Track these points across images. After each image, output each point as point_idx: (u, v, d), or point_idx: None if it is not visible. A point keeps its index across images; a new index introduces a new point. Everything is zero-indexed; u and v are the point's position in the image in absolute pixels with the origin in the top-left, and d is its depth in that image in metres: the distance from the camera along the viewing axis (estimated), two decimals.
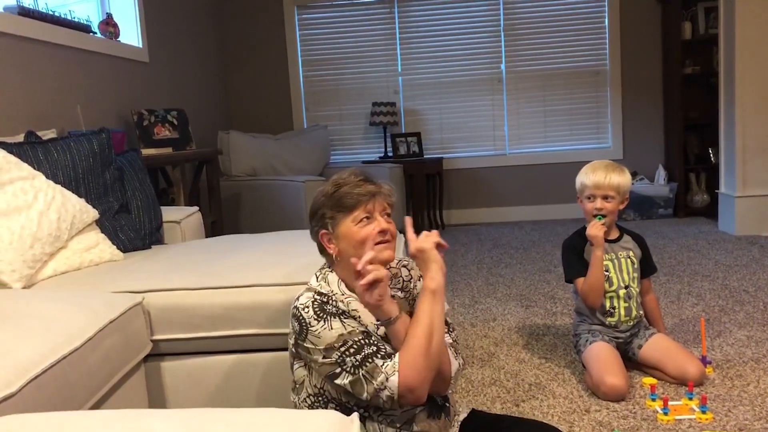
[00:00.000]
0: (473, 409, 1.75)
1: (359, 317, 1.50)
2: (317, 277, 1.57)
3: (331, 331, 1.42)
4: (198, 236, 2.93)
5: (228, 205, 4.46)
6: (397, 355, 1.41)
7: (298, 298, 1.51)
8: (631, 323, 2.34)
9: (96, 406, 1.65)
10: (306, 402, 1.54)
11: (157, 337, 1.96)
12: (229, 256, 2.25)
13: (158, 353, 1.99)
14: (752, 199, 4.55)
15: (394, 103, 5.64)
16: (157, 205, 2.76)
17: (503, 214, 5.85)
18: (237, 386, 1.98)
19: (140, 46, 4.12)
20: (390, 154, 5.64)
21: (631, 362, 2.35)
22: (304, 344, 1.46)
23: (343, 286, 1.54)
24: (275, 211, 4.41)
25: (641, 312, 2.38)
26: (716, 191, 4.92)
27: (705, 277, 3.60)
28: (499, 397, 2.23)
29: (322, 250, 1.57)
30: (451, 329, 1.63)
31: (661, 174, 5.58)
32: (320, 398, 1.51)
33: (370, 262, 1.42)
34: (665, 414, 2.02)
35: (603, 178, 2.30)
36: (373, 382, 1.39)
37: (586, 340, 2.30)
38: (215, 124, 5.26)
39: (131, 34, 4.07)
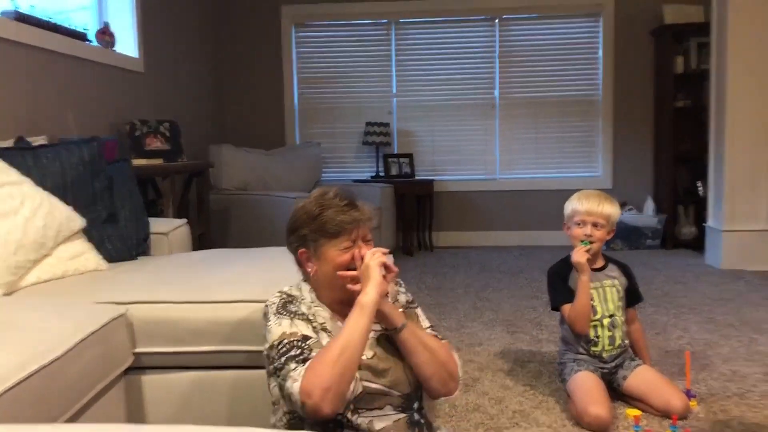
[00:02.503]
0: None
1: (323, 324, 1.53)
2: (291, 287, 1.62)
3: (278, 327, 1.47)
4: (185, 249, 2.90)
5: (217, 218, 4.43)
6: (309, 362, 1.41)
7: (267, 299, 1.58)
8: (615, 352, 2.33)
9: (73, 418, 1.62)
10: (282, 421, 1.51)
11: (139, 349, 1.93)
12: (215, 271, 2.23)
13: (140, 366, 1.96)
14: (739, 233, 4.58)
15: (387, 124, 5.66)
16: (145, 216, 2.73)
17: (492, 238, 5.86)
18: (219, 403, 1.95)
19: (136, 56, 4.12)
20: (382, 174, 5.64)
21: (616, 393, 2.34)
22: (264, 348, 1.49)
23: (313, 295, 1.58)
24: (264, 226, 4.39)
25: (626, 342, 2.38)
26: (704, 224, 4.96)
27: (691, 309, 3.61)
28: (482, 424, 2.21)
29: (299, 264, 1.62)
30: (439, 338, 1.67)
31: (649, 205, 5.62)
32: (296, 415, 1.48)
33: (356, 278, 1.51)
34: None
35: (596, 205, 2.31)
36: (285, 386, 1.40)
37: (571, 369, 2.29)
38: (208, 137, 5.25)
39: (128, 45, 4.06)
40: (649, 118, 5.77)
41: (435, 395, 1.64)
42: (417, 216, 5.65)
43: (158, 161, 3.66)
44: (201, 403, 1.95)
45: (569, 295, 2.31)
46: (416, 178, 5.71)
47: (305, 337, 1.45)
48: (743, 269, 4.52)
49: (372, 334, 1.56)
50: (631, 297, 2.43)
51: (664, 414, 2.19)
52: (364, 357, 1.49)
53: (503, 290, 4.15)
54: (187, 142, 4.27)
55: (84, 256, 2.28)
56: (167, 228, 2.81)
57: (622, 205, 5.63)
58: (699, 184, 5.46)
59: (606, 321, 2.32)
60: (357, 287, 1.50)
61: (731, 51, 4.51)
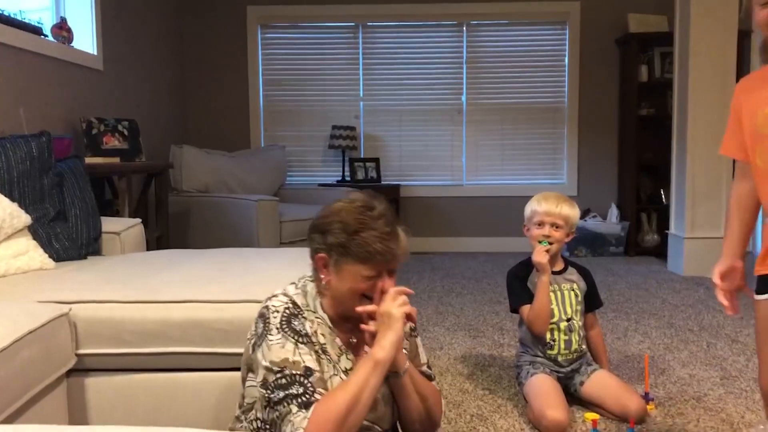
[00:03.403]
0: None
1: (324, 345, 1.43)
2: (296, 285, 1.49)
3: (281, 349, 1.35)
4: (139, 249, 2.82)
5: (177, 220, 4.34)
6: (311, 408, 1.29)
7: (270, 299, 1.44)
8: (571, 357, 2.31)
9: (8, 420, 1.54)
10: (252, 425, 1.44)
11: (82, 351, 1.85)
12: (166, 270, 2.16)
13: (83, 368, 1.88)
14: (701, 240, 4.63)
15: (354, 128, 5.62)
16: (97, 214, 2.65)
17: (457, 244, 5.84)
18: (166, 406, 1.88)
19: (94, 53, 4.01)
20: (348, 179, 5.60)
21: (573, 397, 2.32)
22: (257, 354, 1.38)
23: (317, 303, 1.47)
24: (226, 229, 4.31)
25: (583, 347, 2.36)
26: (666, 232, 5.00)
27: (652, 315, 3.62)
28: (440, 428, 2.17)
29: (311, 259, 1.49)
30: (431, 378, 1.60)
31: (613, 212, 5.66)
32: (268, 426, 1.39)
33: (372, 316, 1.39)
34: None
35: (555, 206, 2.30)
36: (282, 427, 1.30)
37: (528, 372, 2.27)
38: (169, 137, 5.15)
39: (86, 41, 3.96)
40: (613, 126, 5.82)
41: None
42: None
43: (115, 160, 3.56)
44: (148, 407, 1.88)
45: (528, 297, 2.28)
46: (382, 182, 5.67)
47: (308, 371, 1.33)
48: (705, 276, 4.56)
49: (350, 364, 1.48)
50: (591, 301, 2.42)
51: (622, 418, 2.17)
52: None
53: (467, 295, 4.13)
54: (146, 142, 4.18)
55: (28, 254, 2.19)
56: (120, 227, 2.73)
57: (586, 212, 5.67)
58: (662, 191, 5.52)
59: (563, 325, 2.30)
60: (371, 328, 1.39)
61: (693, 61, 4.57)
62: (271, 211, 4.23)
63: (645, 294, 4.13)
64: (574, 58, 5.75)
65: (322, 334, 1.44)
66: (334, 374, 1.43)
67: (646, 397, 2.35)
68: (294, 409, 1.29)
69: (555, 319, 2.29)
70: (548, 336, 2.29)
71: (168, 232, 3.91)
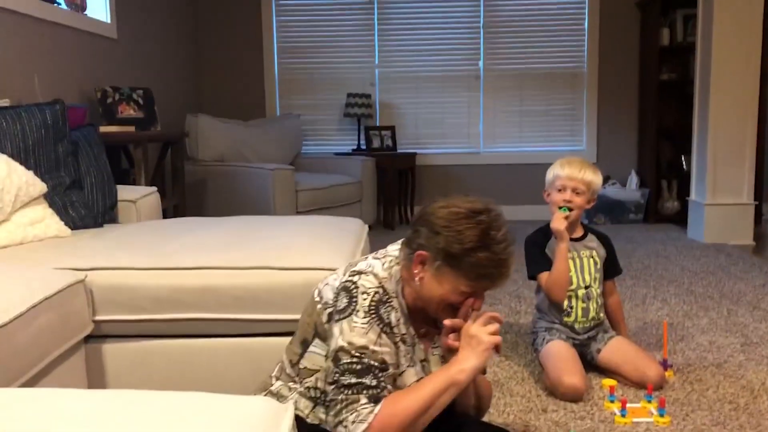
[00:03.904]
0: None
1: (404, 335, 1.39)
2: (382, 264, 1.40)
3: (364, 336, 1.30)
4: (155, 218, 2.82)
5: (193, 189, 4.34)
6: (380, 405, 1.27)
7: (357, 274, 1.36)
8: (588, 324, 2.29)
9: (27, 384, 1.56)
10: (309, 392, 1.40)
11: (99, 317, 1.86)
12: (181, 238, 2.15)
13: (101, 334, 1.89)
14: (722, 207, 4.55)
15: (369, 95, 5.56)
16: (112, 183, 2.65)
17: None
18: (182, 372, 1.90)
19: (108, 21, 3.99)
20: (363, 147, 5.56)
21: (590, 365, 2.30)
22: (334, 326, 1.33)
23: (400, 288, 1.41)
24: (241, 198, 4.31)
25: (601, 315, 2.33)
26: (687, 198, 4.93)
27: (671, 282, 3.58)
28: None
29: (409, 249, 1.39)
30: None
31: (633, 179, 5.58)
32: (321, 398, 1.36)
33: (454, 329, 1.37)
34: (623, 416, 1.97)
35: (578, 171, 2.25)
36: (343, 413, 1.27)
37: (543, 339, 2.26)
38: (184, 106, 5.13)
39: (99, 9, 3.93)
40: (633, 92, 5.71)
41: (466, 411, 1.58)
42: (398, 190, 5.58)
43: (130, 129, 3.55)
44: (164, 373, 1.89)
45: (546, 264, 2.25)
46: (398, 151, 5.63)
47: (384, 364, 1.31)
48: (725, 243, 4.50)
49: (422, 356, 1.44)
50: (610, 269, 2.38)
51: (640, 384, 2.15)
52: (410, 381, 1.39)
53: None
54: (161, 110, 4.17)
55: (45, 222, 2.20)
56: (136, 196, 2.73)
57: (606, 179, 5.59)
58: (683, 158, 5.42)
59: (581, 292, 2.27)
60: (455, 344, 1.36)
61: (717, 24, 4.44)
62: (287, 181, 4.22)
63: (664, 261, 4.08)
64: (594, 21, 5.62)
65: (403, 324, 1.40)
66: (410, 365, 1.41)
67: (665, 364, 2.32)
68: (363, 399, 1.27)
69: (573, 287, 2.26)
70: (566, 303, 2.26)
71: (184, 200, 3.92)
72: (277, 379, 1.45)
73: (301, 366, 1.41)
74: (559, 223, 2.21)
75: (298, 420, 1.37)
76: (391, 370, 1.33)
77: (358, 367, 1.28)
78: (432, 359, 1.46)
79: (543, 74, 5.73)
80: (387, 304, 1.35)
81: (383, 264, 1.40)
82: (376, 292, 1.34)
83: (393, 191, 5.42)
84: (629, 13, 5.60)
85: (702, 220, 4.62)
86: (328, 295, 1.39)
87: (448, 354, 1.39)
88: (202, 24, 5.65)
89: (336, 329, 1.32)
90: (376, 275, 1.37)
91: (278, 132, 5.23)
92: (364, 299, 1.32)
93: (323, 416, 1.38)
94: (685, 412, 2.03)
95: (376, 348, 1.30)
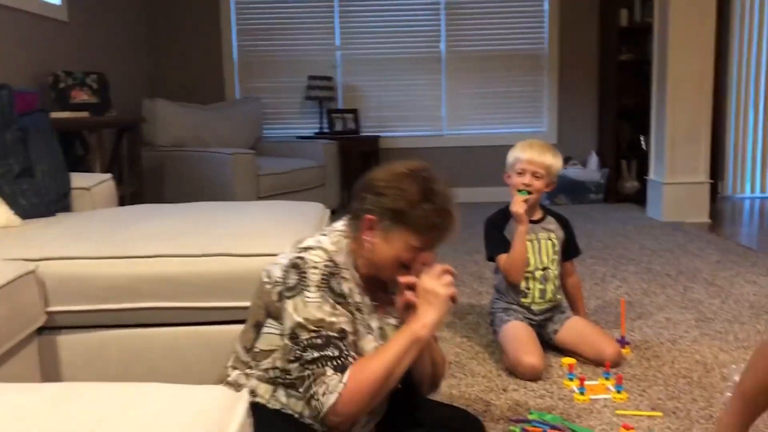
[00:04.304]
0: None
1: (358, 303, 1.39)
2: (330, 239, 1.41)
3: (318, 309, 1.30)
4: (111, 205, 2.76)
5: (151, 176, 4.26)
6: (347, 373, 1.27)
7: (305, 250, 1.36)
8: (545, 306, 2.31)
9: None
10: (268, 373, 1.38)
11: (52, 308, 1.82)
12: (137, 225, 2.11)
13: (55, 326, 1.85)
14: (679, 186, 4.64)
15: (330, 78, 5.51)
16: (65, 170, 2.58)
17: None
18: (140, 363, 1.87)
19: (58, 3, 3.86)
20: (326, 130, 5.52)
21: (549, 345, 2.33)
22: (287, 303, 1.32)
23: (351, 261, 1.41)
24: (201, 184, 4.24)
25: (558, 296, 2.36)
26: (645, 178, 5.01)
27: (630, 260, 3.64)
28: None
29: (355, 219, 1.41)
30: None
31: (593, 160, 5.65)
32: (288, 375, 1.35)
33: (410, 287, 1.36)
34: (581, 393, 2.00)
35: (538, 155, 2.27)
36: (313, 387, 1.27)
37: (501, 319, 2.28)
38: (141, 90, 5.02)
39: None
40: (593, 73, 5.76)
41: (418, 389, 1.58)
42: (362, 173, 5.53)
43: (84, 115, 3.46)
44: (121, 363, 1.86)
45: (505, 246, 2.27)
46: (361, 134, 5.60)
47: (343, 333, 1.31)
48: (683, 221, 4.59)
49: (378, 324, 1.44)
50: (569, 250, 2.41)
51: (598, 362, 2.19)
52: (369, 348, 1.40)
53: (447, 246, 4.08)
54: (117, 95, 4.07)
55: None
56: (90, 183, 2.66)
57: (567, 159, 5.65)
58: (642, 138, 5.50)
59: (538, 273, 2.29)
60: (413, 298, 1.36)
61: (673, 4, 4.50)
62: (248, 165, 4.17)
63: (624, 240, 4.15)
64: (554, 2, 5.65)
65: (357, 294, 1.40)
66: (368, 333, 1.41)
67: (622, 341, 2.37)
68: (329, 371, 1.27)
69: (531, 268, 2.28)
70: (523, 284, 2.29)
71: (142, 187, 3.84)
72: (234, 368, 1.43)
73: (256, 350, 1.40)
74: (518, 206, 2.22)
75: (260, 408, 1.36)
76: (351, 338, 1.34)
77: (319, 340, 1.28)
78: (388, 328, 1.46)
79: (504, 56, 5.75)
80: (338, 276, 1.35)
81: (331, 238, 1.41)
82: (326, 266, 1.34)
83: (357, 175, 5.35)
84: None
85: (660, 199, 4.71)
86: (276, 273, 1.38)
87: (406, 313, 1.38)
88: (158, 6, 5.52)
89: (289, 307, 1.32)
90: (324, 249, 1.37)
91: (238, 116, 5.16)
92: (314, 274, 1.32)
93: (285, 399, 1.37)
94: (642, 387, 2.07)
95: (333, 319, 1.31)
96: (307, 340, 1.29)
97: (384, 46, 5.71)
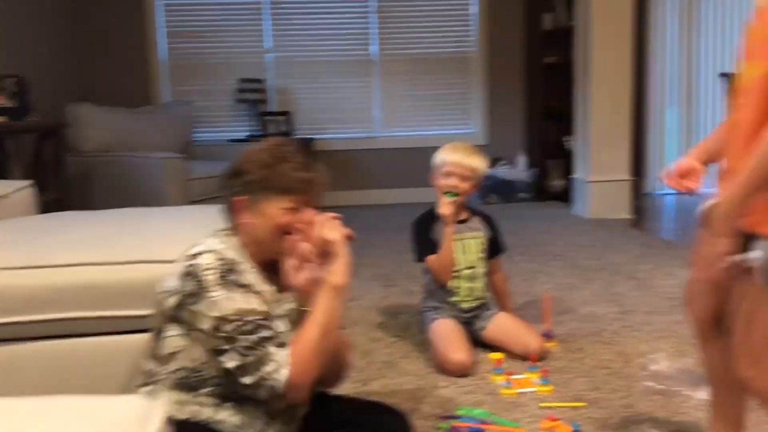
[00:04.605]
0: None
1: (261, 292, 1.40)
2: (218, 239, 1.43)
3: (230, 302, 1.31)
4: (30, 213, 2.66)
5: (78, 183, 4.13)
6: (287, 347, 1.30)
7: (194, 257, 1.37)
8: (473, 304, 2.37)
9: None
10: (175, 375, 1.37)
11: None
12: (56, 233, 2.05)
13: None
14: (603, 184, 4.82)
15: (261, 81, 5.47)
16: None
17: (374, 196, 5.85)
18: (60, 375, 1.81)
19: None
20: (259, 133, 5.47)
21: (478, 342, 2.39)
22: (194, 307, 1.32)
23: (245, 254, 1.43)
24: (131, 189, 4.13)
25: (486, 294, 2.42)
26: (571, 177, 5.17)
27: (557, 256, 3.76)
28: (349, 377, 2.19)
29: (232, 211, 1.45)
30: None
31: (522, 160, 5.80)
32: (197, 374, 1.36)
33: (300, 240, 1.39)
34: (508, 387, 2.06)
35: (464, 158, 2.33)
36: (261, 369, 1.28)
37: (430, 318, 2.32)
38: (66, 94, 4.85)
39: None
40: (520, 75, 5.91)
41: (319, 385, 1.57)
42: None
43: (2, 120, 3.34)
44: (41, 377, 1.80)
45: (432, 248, 2.32)
46: (295, 137, 5.58)
47: (265, 315, 1.33)
48: (606, 218, 4.76)
49: (284, 311, 1.44)
50: (494, 248, 2.47)
51: (524, 357, 2.26)
52: (283, 331, 1.40)
53: (382, 247, 4.16)
54: (41, 99, 3.93)
55: None
56: (7, 190, 2.56)
57: (496, 160, 5.78)
58: (567, 138, 5.67)
59: (466, 273, 2.35)
60: (303, 247, 1.39)
61: (595, 7, 4.66)
62: (178, 169, 4.10)
63: (551, 237, 4.28)
64: (482, 6, 5.77)
65: (260, 283, 1.42)
66: (277, 319, 1.42)
67: (548, 335, 2.45)
68: (272, 349, 1.30)
69: (458, 268, 2.34)
70: (451, 284, 2.34)
71: (66, 194, 3.73)
72: (143, 386, 1.42)
73: (161, 355, 1.40)
74: (445, 208, 2.28)
75: (174, 420, 1.35)
76: (271, 318, 1.36)
77: (247, 326, 1.30)
78: (295, 312, 1.47)
79: (435, 58, 5.83)
80: (234, 271, 1.37)
81: (219, 238, 1.44)
82: (219, 265, 1.35)
83: None
84: None
85: (585, 197, 4.88)
86: (171, 282, 1.39)
87: (301, 276, 1.40)
88: (82, 8, 5.35)
89: (200, 310, 1.32)
90: (213, 251, 1.39)
91: (168, 119, 5.06)
92: (210, 275, 1.33)
93: (195, 406, 1.36)
94: (566, 379, 2.15)
95: (250, 306, 1.33)
96: (234, 330, 1.30)
97: (316, 49, 5.71)
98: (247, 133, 5.53)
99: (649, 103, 5.96)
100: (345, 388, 2.09)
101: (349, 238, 1.40)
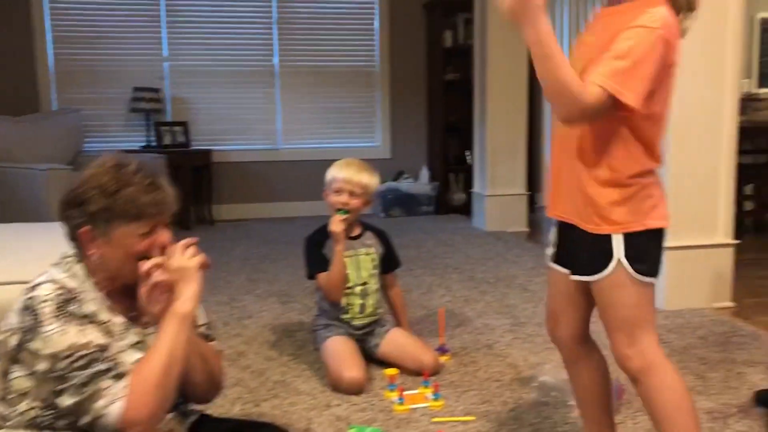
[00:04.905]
0: (201, 413, 1.62)
1: (106, 323, 1.32)
2: (61, 268, 1.35)
3: (63, 336, 1.23)
4: None
5: None
6: (125, 379, 1.24)
7: (33, 288, 1.29)
8: (366, 321, 2.37)
9: None
10: (27, 415, 1.28)
11: None
12: None
13: None
14: (500, 198, 4.96)
15: (158, 89, 5.30)
16: None
17: (276, 209, 5.77)
18: None
19: None
20: (154, 144, 5.28)
21: (373, 359, 2.38)
22: (31, 345, 1.24)
23: (90, 283, 1.34)
24: (13, 203, 3.89)
25: (379, 310, 2.42)
26: (471, 190, 5.29)
27: (455, 269, 3.82)
28: (240, 398, 2.14)
29: (77, 242, 1.35)
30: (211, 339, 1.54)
31: (424, 174, 5.89)
32: (49, 411, 1.27)
33: (158, 266, 1.31)
34: (401, 404, 2.06)
35: (354, 174, 2.31)
36: (94, 405, 1.22)
37: (322, 336, 2.30)
38: None
39: None
40: (423, 90, 6.01)
41: (193, 400, 1.53)
42: (195, 189, 5.38)
43: None
44: None
45: (324, 264, 2.30)
46: (192, 147, 5.43)
47: (102, 348, 1.25)
48: (504, 230, 4.90)
49: (138, 337, 1.37)
50: (388, 263, 2.47)
51: (418, 372, 2.27)
52: (131, 361, 1.32)
53: (282, 261, 4.10)
54: None
55: None
56: None
57: (400, 173, 5.84)
58: (467, 152, 5.82)
59: (358, 289, 2.34)
60: (163, 277, 1.31)
61: (491, 26, 4.80)
62: (64, 182, 3.87)
63: (451, 250, 4.35)
64: (385, 22, 5.84)
65: (104, 313, 1.34)
66: (122, 351, 1.35)
67: (442, 349, 2.47)
68: (105, 383, 1.23)
69: (350, 284, 2.33)
70: (343, 300, 2.32)
71: None
72: None
73: (9, 396, 1.30)
74: (336, 225, 2.26)
75: None
76: (115, 349, 1.30)
77: (80, 362, 1.24)
78: (149, 338, 1.41)
79: (338, 71, 5.84)
80: (74, 301, 1.30)
81: (62, 268, 1.37)
82: (57, 295, 1.29)
83: (188, 190, 5.20)
84: (416, 14, 5.88)
85: (483, 210, 5.00)
86: (13, 320, 1.31)
87: (154, 302, 1.34)
88: None
89: (33, 346, 1.25)
90: (53, 281, 1.32)
91: (56, 128, 4.80)
92: (46, 307, 1.27)
93: None
94: (458, 393, 2.17)
95: (84, 339, 1.26)
96: (69, 366, 1.24)
97: (215, 58, 5.58)
98: (143, 143, 5.33)
99: (544, 119, 6.20)
100: (234, 410, 2.04)
101: (203, 265, 1.35)
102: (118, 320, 1.36)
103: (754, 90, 5.36)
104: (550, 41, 1.25)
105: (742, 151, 3.70)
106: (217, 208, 5.57)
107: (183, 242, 1.36)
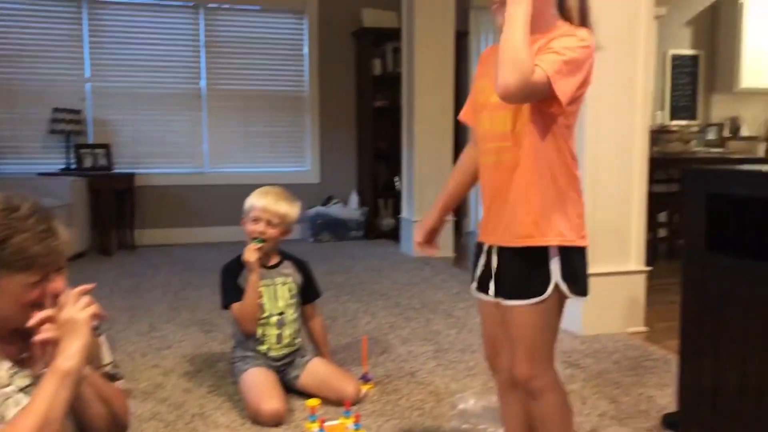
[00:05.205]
0: None
1: None
2: None
3: None
4: None
5: None
6: None
7: None
8: (283, 351, 2.34)
9: None
10: None
11: None
12: None
13: None
14: None
15: (79, 111, 5.14)
16: None
17: (201, 234, 5.66)
18: None
19: None
20: (73, 167, 5.11)
21: (294, 390, 2.35)
22: None
23: None
24: None
25: (297, 340, 2.39)
26: (399, 216, 5.34)
27: (382, 295, 3.83)
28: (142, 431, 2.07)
29: None
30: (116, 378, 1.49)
31: (354, 199, 5.91)
32: None
33: (48, 320, 1.24)
34: None
35: (273, 203, 2.29)
36: None
37: (239, 369, 2.26)
38: None
39: None
40: (352, 116, 6.06)
41: None
42: (117, 213, 5.23)
43: None
44: None
45: (238, 294, 2.26)
46: (114, 170, 5.28)
47: None
48: (430, 256, 4.94)
49: (28, 380, 1.30)
50: (308, 293, 2.45)
51: (341, 402, 2.25)
52: (12, 413, 1.25)
53: (205, 288, 4.01)
54: None
55: None
56: None
57: (329, 199, 5.84)
58: (396, 178, 5.88)
59: (274, 319, 2.31)
60: (47, 335, 1.24)
61: (418, 55, 4.90)
62: None
63: (378, 275, 4.37)
64: (314, 48, 5.87)
65: None
66: (7, 398, 1.27)
67: (365, 378, 2.46)
68: None
69: (266, 314, 2.29)
70: (259, 331, 2.29)
71: None
72: None
73: None
74: (250, 254, 2.23)
75: None
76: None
77: None
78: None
79: (268, 96, 5.82)
80: None
81: None
82: None
83: (109, 214, 5.06)
84: (345, 42, 5.94)
85: (411, 236, 5.04)
86: None
87: (45, 350, 1.28)
88: None
89: None
90: None
91: None
92: None
93: None
94: (379, 423, 2.16)
95: None
96: None
97: (140, 80, 5.47)
98: (62, 166, 5.15)
99: None
100: None
101: (96, 316, 1.29)
102: (5, 365, 1.29)
103: (666, 122, 5.65)
104: (528, 10, 1.30)
105: (655, 181, 3.89)
106: (140, 232, 5.42)
107: (77, 290, 1.29)
